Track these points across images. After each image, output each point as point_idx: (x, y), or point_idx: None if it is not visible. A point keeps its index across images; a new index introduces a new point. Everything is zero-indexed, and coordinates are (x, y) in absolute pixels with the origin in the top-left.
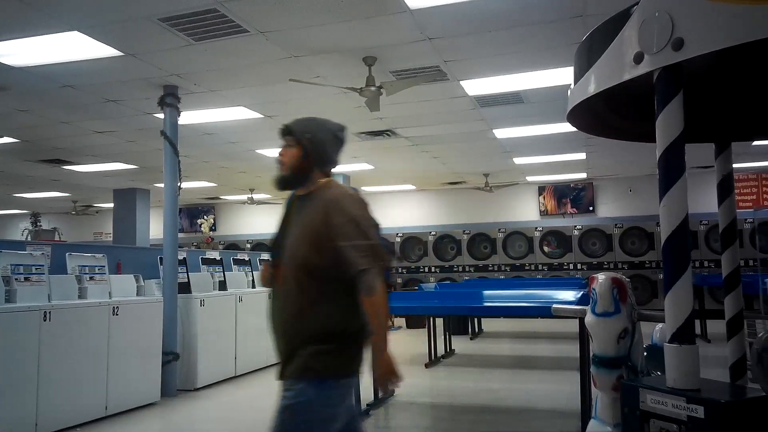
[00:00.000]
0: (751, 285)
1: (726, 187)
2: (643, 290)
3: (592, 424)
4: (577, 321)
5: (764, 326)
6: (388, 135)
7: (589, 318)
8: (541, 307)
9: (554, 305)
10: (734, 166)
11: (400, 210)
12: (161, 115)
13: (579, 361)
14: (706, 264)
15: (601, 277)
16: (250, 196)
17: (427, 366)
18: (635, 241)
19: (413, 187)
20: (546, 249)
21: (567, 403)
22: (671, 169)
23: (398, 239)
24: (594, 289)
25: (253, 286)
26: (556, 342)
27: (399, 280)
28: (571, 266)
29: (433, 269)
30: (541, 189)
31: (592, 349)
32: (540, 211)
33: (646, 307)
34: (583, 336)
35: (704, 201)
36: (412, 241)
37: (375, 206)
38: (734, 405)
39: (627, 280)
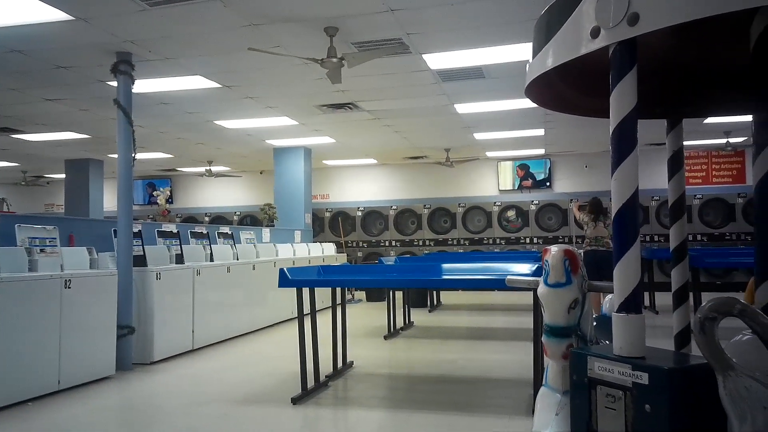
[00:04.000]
0: (698, 258)
1: (676, 163)
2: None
3: (543, 391)
4: (531, 293)
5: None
6: (350, 108)
7: (541, 289)
8: (497, 279)
9: (508, 276)
10: (685, 143)
11: (362, 184)
12: (114, 83)
13: (533, 332)
14: (656, 238)
15: (553, 249)
16: (208, 168)
17: (386, 338)
18: None
19: (375, 162)
20: (506, 223)
21: (521, 372)
22: (623, 143)
23: (359, 213)
24: (547, 261)
25: (211, 260)
26: (512, 314)
27: (359, 254)
28: (528, 240)
29: (393, 243)
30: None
31: (543, 319)
32: (517, 186)
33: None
34: (537, 308)
35: (656, 178)
36: (374, 216)
37: (337, 180)
38: (677, 371)
39: (579, 252)
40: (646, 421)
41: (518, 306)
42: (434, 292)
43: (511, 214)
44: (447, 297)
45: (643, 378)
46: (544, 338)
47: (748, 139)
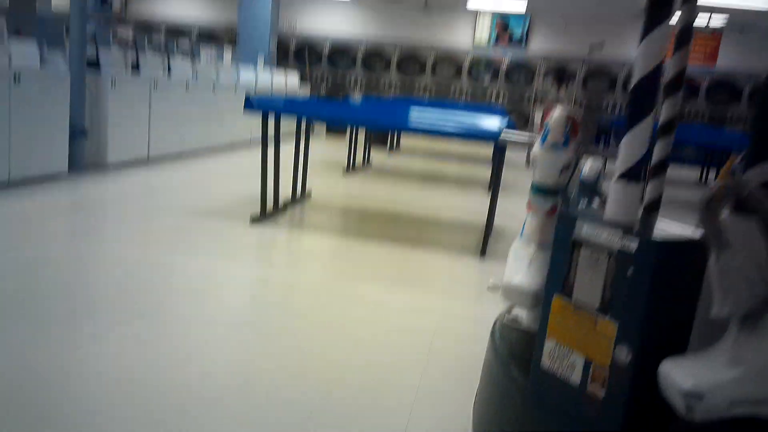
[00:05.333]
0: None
1: (684, 36)
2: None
3: (517, 242)
4: (491, 146)
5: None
6: None
7: (536, 148)
8: (460, 131)
9: (504, 131)
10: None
11: (334, 17)
12: None
13: (489, 182)
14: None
15: (557, 111)
16: None
17: (345, 173)
18: (596, 82)
19: None
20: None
21: (473, 219)
22: (656, 12)
23: (327, 48)
24: (547, 123)
25: (169, 75)
26: (468, 164)
27: (324, 87)
28: (495, 96)
29: (359, 82)
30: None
31: (533, 176)
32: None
33: None
34: (497, 160)
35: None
36: (341, 52)
37: (307, 10)
38: (666, 245)
39: (576, 116)
40: (626, 285)
41: (475, 156)
42: (395, 135)
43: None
44: (406, 141)
45: (632, 245)
46: (530, 195)
47: (726, 21)
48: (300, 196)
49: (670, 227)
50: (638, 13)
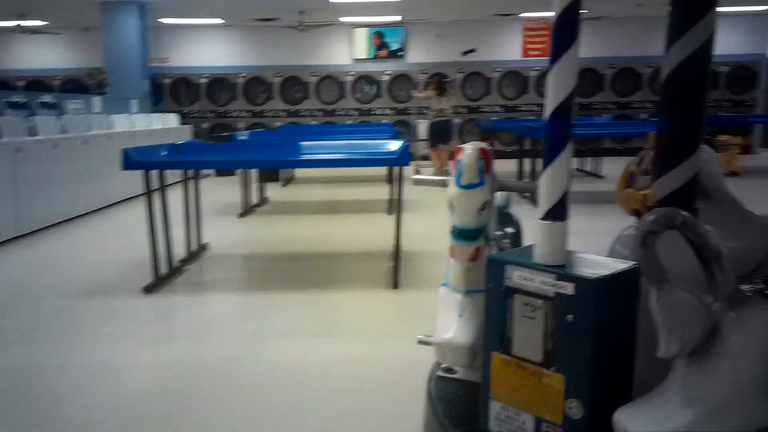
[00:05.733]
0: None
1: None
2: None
3: (443, 290)
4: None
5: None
6: None
7: (452, 190)
8: (361, 158)
9: (414, 177)
10: (540, 14)
11: (207, 48)
12: None
13: (388, 204)
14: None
15: (468, 148)
16: (18, 23)
17: (240, 215)
18: (472, 86)
19: (222, 22)
20: (361, 95)
21: (379, 245)
22: (565, 33)
23: (204, 80)
24: (460, 161)
25: (34, 134)
26: (366, 185)
27: (205, 125)
28: (380, 111)
29: (243, 114)
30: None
31: (452, 220)
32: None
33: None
34: (393, 180)
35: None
36: (220, 83)
37: (178, 43)
38: (603, 281)
39: (491, 148)
40: (568, 330)
41: (371, 177)
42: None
43: (368, 89)
44: (301, 170)
45: (568, 288)
46: (452, 241)
47: (584, 13)
48: (196, 250)
49: (599, 262)
50: (506, 13)
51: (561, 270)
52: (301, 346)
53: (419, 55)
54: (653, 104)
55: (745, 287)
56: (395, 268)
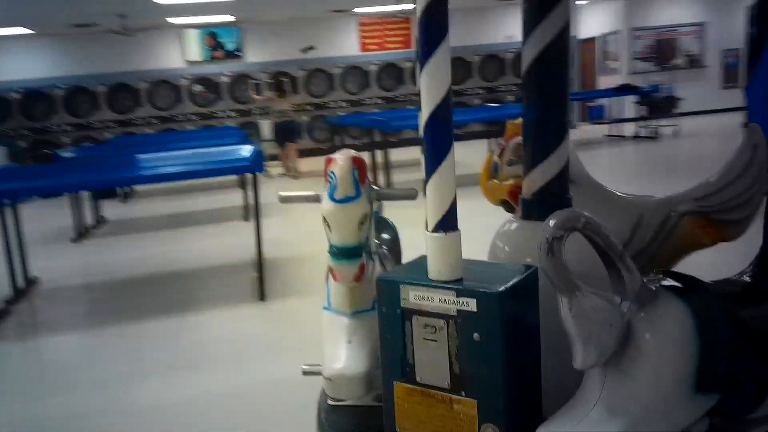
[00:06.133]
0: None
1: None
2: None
3: (326, 315)
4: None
5: None
6: None
7: (327, 206)
8: (211, 169)
9: (281, 194)
10: (362, 10)
11: (18, 59)
12: None
13: (243, 210)
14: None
15: (339, 158)
16: None
17: (74, 241)
18: (316, 82)
19: (33, 32)
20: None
21: (239, 255)
22: (433, 31)
23: (17, 96)
24: (332, 173)
25: None
26: (214, 193)
27: (23, 144)
28: (224, 114)
29: (66, 128)
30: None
31: (329, 239)
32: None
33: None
34: (247, 186)
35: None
36: (37, 98)
37: None
38: (507, 294)
39: (363, 158)
40: (475, 350)
41: (222, 183)
42: None
43: (198, 88)
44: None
45: (471, 304)
46: (332, 262)
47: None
48: (24, 287)
49: (495, 269)
50: (339, 9)
51: (460, 285)
52: (161, 384)
53: (258, 54)
54: (518, 87)
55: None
56: (260, 279)
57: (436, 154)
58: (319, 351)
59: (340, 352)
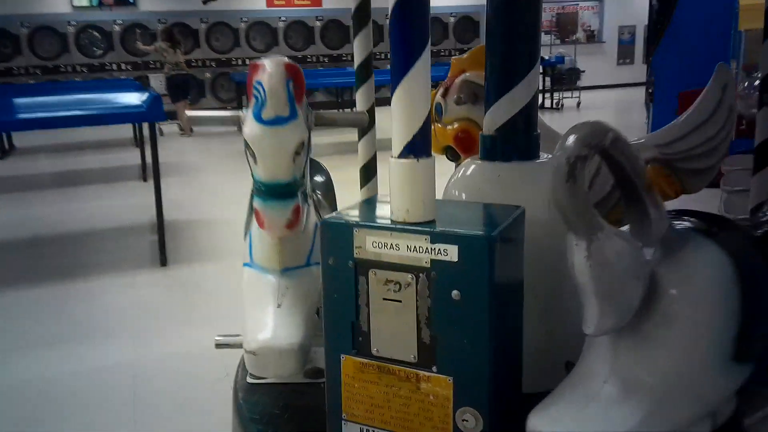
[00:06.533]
0: None
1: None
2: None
3: (249, 273)
4: (130, 127)
5: None
6: None
7: (252, 128)
8: (99, 114)
9: (192, 114)
10: None
11: None
12: None
13: (141, 170)
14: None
15: (268, 64)
16: None
17: None
18: (219, 37)
19: None
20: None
21: (136, 218)
22: None
23: None
24: (259, 84)
25: None
26: (109, 151)
27: None
28: (115, 66)
29: None
30: None
31: (253, 174)
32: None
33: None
34: (144, 142)
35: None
36: None
37: None
38: (498, 238)
39: (299, 67)
40: (453, 313)
41: (114, 141)
42: (3, 135)
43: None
44: (22, 138)
45: (450, 253)
46: (257, 203)
47: None
48: None
49: (472, 211)
50: None
51: (435, 228)
52: (42, 358)
53: (155, 2)
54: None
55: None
56: (161, 242)
57: (406, 52)
58: (231, 322)
59: (267, 319)
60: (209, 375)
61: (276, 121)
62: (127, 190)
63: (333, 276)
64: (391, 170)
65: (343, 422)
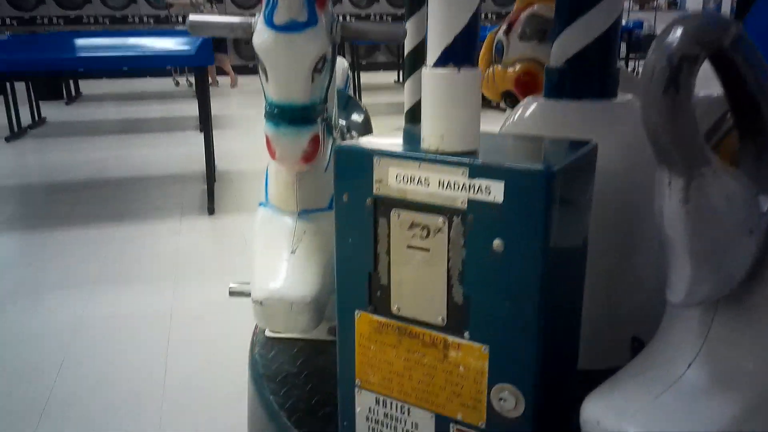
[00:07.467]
0: None
1: None
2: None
3: (263, 213)
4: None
5: None
6: None
7: (262, 35)
8: (149, 56)
9: (195, 19)
10: None
11: None
12: None
13: (199, 122)
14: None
15: None
16: None
17: (8, 140)
18: None
19: None
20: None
21: (188, 167)
22: None
23: None
24: None
25: None
26: (169, 102)
27: None
28: (137, 19)
29: (7, 21)
30: None
31: (265, 93)
32: None
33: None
34: (204, 94)
35: None
36: None
37: None
38: (561, 174)
39: None
40: (493, 267)
41: (176, 93)
42: (71, 81)
43: None
44: (88, 86)
45: (493, 191)
46: (269, 129)
47: None
48: None
49: (524, 142)
50: None
51: (476, 160)
52: (81, 298)
53: None
54: None
55: None
56: (209, 191)
57: None
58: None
59: (279, 266)
60: (246, 325)
61: (290, 27)
62: (183, 139)
63: (347, 216)
64: (424, 84)
65: (356, 389)
